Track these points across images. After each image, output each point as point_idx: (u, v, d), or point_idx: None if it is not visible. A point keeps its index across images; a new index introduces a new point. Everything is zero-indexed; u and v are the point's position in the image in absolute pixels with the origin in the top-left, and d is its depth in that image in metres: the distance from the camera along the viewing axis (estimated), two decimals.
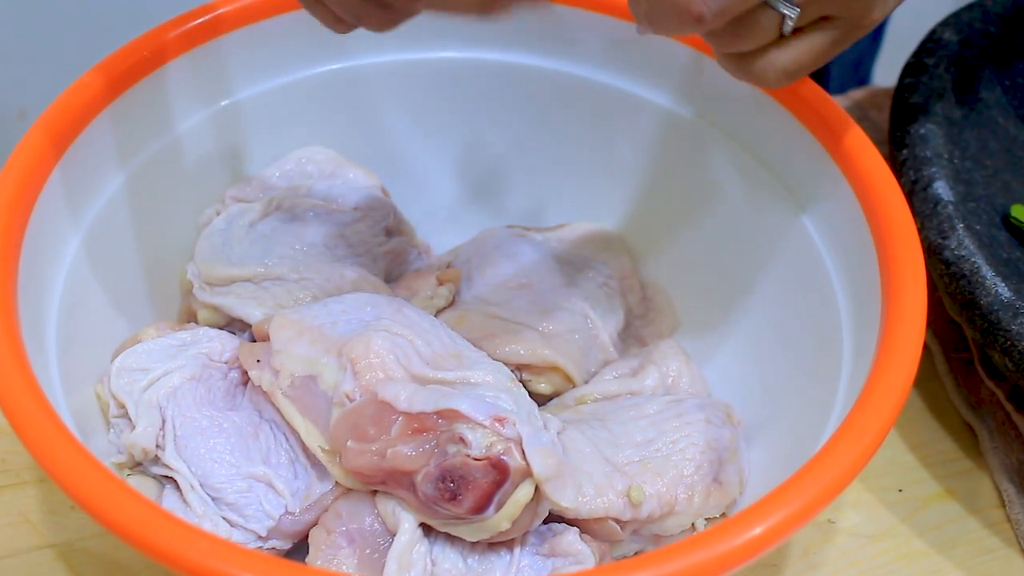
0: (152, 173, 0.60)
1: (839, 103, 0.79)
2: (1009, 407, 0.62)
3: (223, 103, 0.62)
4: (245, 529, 0.51)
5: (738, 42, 0.47)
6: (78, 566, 0.55)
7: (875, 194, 0.53)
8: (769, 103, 0.58)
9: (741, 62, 0.48)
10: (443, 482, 0.48)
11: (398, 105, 0.67)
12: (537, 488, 0.49)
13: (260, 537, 0.51)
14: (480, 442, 0.49)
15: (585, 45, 0.64)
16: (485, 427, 0.49)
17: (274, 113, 0.64)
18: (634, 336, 0.65)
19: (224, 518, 0.51)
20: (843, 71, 0.85)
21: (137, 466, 0.53)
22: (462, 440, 0.49)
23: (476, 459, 0.48)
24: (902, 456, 0.62)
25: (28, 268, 0.50)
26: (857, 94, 0.81)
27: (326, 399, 0.52)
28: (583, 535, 0.52)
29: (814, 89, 0.57)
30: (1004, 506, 0.60)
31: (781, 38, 0.47)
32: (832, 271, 0.56)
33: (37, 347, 0.49)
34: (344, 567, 0.50)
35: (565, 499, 0.50)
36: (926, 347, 0.66)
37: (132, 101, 0.57)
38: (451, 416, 0.49)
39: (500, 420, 0.49)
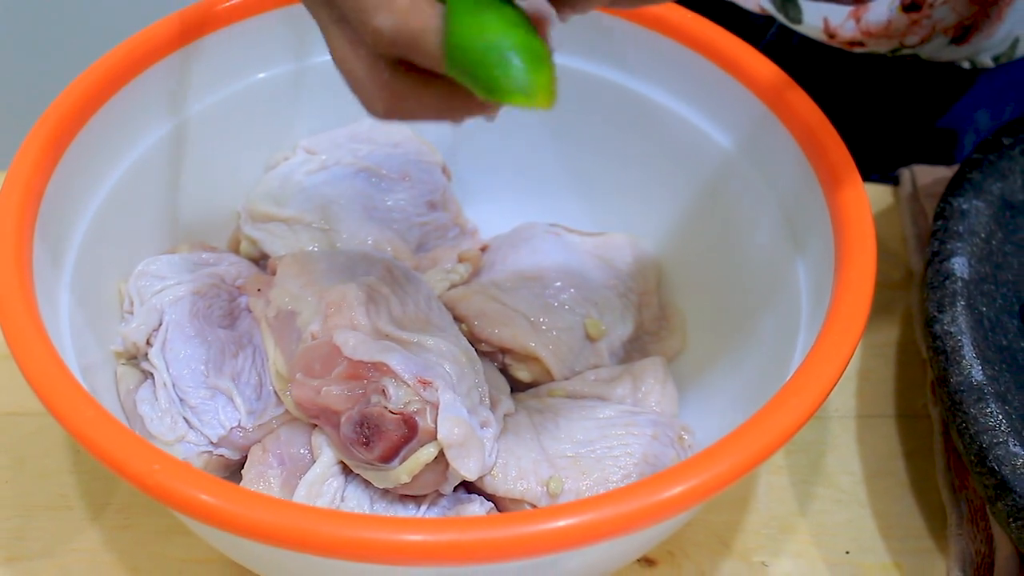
0: (229, 111, 0.67)
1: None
2: None
3: (310, 61, 0.68)
4: (199, 432, 0.57)
5: None
6: (70, 438, 0.63)
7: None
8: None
9: None
10: (360, 427, 0.53)
11: None
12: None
13: (211, 443, 0.57)
14: (400, 398, 0.53)
15: (656, 69, 0.66)
16: (408, 385, 0.53)
17: None
18: (641, 350, 0.67)
19: (184, 418, 0.57)
20: None
21: (132, 358, 0.60)
22: (384, 393, 0.53)
23: (392, 412, 0.52)
24: (864, 520, 0.61)
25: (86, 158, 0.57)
26: None
27: (298, 334, 0.58)
28: (497, 512, 0.55)
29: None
30: None
31: None
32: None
33: (52, 251, 0.56)
34: (271, 483, 0.55)
35: (464, 468, 0.53)
36: (929, 419, 0.65)
37: (223, 42, 0.64)
38: (382, 369, 0.53)
39: (424, 383, 0.53)
